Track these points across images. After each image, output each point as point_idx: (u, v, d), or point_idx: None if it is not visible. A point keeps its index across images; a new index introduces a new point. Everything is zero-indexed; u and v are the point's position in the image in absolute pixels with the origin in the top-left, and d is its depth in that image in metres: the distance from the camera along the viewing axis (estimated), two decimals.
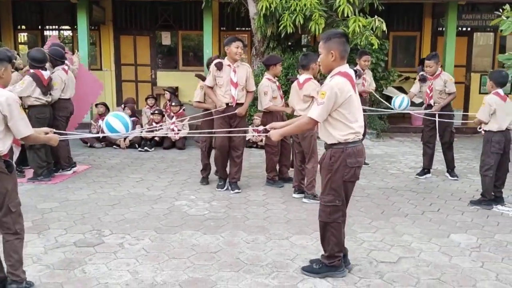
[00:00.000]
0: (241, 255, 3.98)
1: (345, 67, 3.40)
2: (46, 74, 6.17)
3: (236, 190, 5.84)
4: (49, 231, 4.45)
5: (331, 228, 3.51)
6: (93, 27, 12.09)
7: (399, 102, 6.44)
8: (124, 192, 5.81)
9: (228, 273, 3.63)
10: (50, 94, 6.28)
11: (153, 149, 8.55)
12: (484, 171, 5.32)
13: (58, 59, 6.52)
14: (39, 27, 13.05)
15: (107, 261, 3.80)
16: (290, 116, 5.97)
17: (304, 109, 5.33)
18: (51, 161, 6.43)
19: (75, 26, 11.56)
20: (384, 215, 5.05)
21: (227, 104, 5.67)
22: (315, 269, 3.59)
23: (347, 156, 3.37)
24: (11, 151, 4.16)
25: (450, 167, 6.67)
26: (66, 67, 6.61)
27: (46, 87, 6.15)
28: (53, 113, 6.34)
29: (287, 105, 6.32)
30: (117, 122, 3.96)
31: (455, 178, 6.56)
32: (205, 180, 6.28)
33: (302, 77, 5.49)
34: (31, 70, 6.12)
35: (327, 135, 3.44)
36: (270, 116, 6.10)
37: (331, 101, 3.27)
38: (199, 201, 5.50)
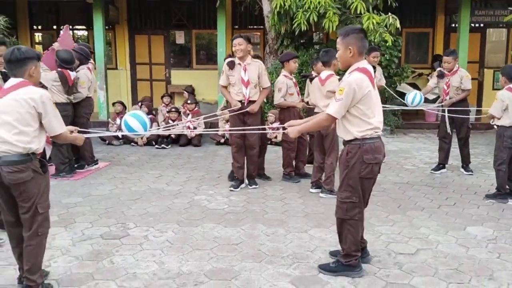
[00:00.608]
0: (262, 247, 4.09)
1: (364, 63, 3.41)
2: (73, 74, 6.39)
3: (254, 186, 5.93)
4: (75, 225, 4.60)
5: (348, 225, 3.50)
6: (108, 27, 12.27)
7: (412, 98, 6.50)
8: (145, 188, 5.96)
9: (250, 263, 3.75)
10: (74, 93, 6.47)
11: (169, 146, 8.71)
12: (497, 165, 5.38)
13: (86, 57, 6.73)
14: (54, 27, 13.28)
15: (133, 252, 3.94)
16: (309, 112, 6.06)
17: (328, 105, 5.39)
18: (72, 158, 6.60)
19: (90, 26, 11.78)
20: (401, 209, 5.14)
21: (240, 102, 5.71)
22: (331, 267, 3.59)
23: (364, 152, 3.35)
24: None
25: (466, 162, 6.72)
26: (90, 66, 6.80)
27: (70, 87, 6.36)
28: (77, 111, 6.54)
29: (302, 101, 6.42)
30: (134, 121, 4.03)
31: (470, 173, 6.62)
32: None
33: (324, 73, 5.54)
34: (58, 69, 6.29)
35: (345, 132, 3.44)
36: (287, 112, 6.20)
37: (349, 97, 3.28)
38: (217, 195, 5.63)
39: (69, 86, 6.32)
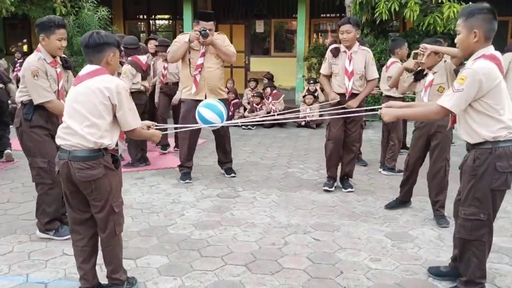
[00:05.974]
0: (355, 209, 4.75)
1: (491, 49, 2.85)
2: (143, 58, 6.28)
3: (349, 189, 5.31)
4: (194, 187, 5.47)
5: (472, 247, 2.93)
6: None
7: None
8: (242, 161, 6.76)
9: (347, 221, 4.42)
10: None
11: (254, 127, 9.51)
12: None
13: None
14: (145, 16, 14.47)
15: (247, 208, 4.73)
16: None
17: (386, 90, 6.08)
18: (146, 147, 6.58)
19: (177, 16, 12.78)
20: None
21: (342, 94, 5.12)
22: None
23: (496, 159, 2.78)
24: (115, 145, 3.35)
25: None
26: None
27: (145, 72, 6.28)
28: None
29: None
30: (209, 112, 3.82)
31: None
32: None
33: (389, 60, 6.26)
34: (129, 58, 6.25)
35: (471, 133, 2.86)
36: None
37: (473, 89, 2.72)
38: (308, 169, 6.31)
39: (143, 71, 6.21)
